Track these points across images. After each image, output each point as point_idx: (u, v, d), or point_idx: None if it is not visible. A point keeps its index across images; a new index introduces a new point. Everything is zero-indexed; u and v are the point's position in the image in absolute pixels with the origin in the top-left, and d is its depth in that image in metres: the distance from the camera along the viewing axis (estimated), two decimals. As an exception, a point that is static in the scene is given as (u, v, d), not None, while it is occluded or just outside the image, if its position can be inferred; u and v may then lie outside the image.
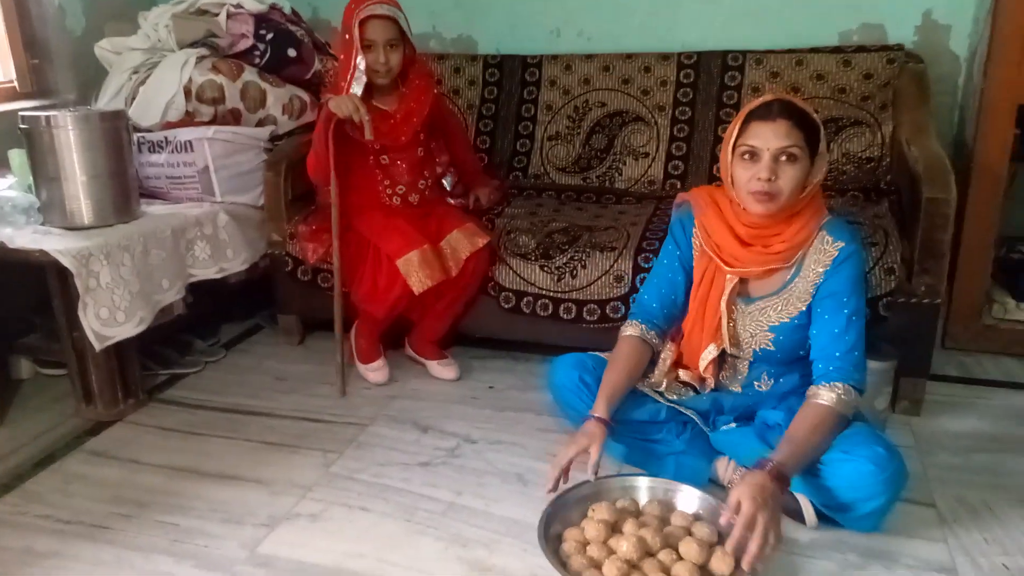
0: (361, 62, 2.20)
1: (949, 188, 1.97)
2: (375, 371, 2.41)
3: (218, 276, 2.43)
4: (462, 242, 2.28)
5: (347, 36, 2.22)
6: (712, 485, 1.74)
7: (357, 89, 2.20)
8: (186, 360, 2.52)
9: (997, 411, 2.16)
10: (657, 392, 1.79)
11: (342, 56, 2.26)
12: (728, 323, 1.68)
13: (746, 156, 1.56)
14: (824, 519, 1.61)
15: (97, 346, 2.03)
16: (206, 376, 2.48)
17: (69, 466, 1.97)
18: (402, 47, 2.26)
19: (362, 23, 2.17)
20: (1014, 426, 2.09)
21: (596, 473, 1.58)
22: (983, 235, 2.45)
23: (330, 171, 2.22)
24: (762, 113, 1.55)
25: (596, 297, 2.25)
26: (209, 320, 2.74)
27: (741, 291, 1.70)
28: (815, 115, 1.57)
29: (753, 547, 1.34)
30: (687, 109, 2.75)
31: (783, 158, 1.53)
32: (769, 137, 1.53)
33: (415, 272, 2.20)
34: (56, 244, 1.99)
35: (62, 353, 2.21)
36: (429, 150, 2.46)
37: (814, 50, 2.65)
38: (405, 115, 2.32)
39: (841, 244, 1.60)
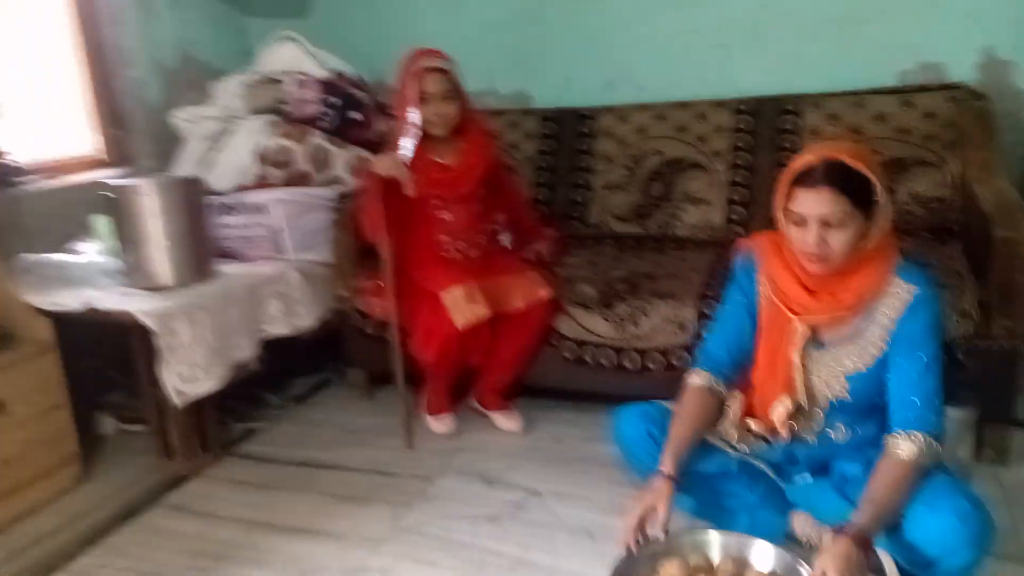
0: (415, 115, 2.27)
1: (1021, 227, 1.91)
2: (441, 422, 2.43)
3: (290, 332, 2.51)
4: (524, 289, 2.30)
5: (402, 91, 2.29)
6: (789, 541, 1.70)
7: (410, 143, 2.26)
8: (259, 414, 2.60)
9: (1089, 459, 2.07)
10: (727, 443, 1.76)
11: (399, 113, 2.33)
12: (801, 373, 1.65)
13: (795, 221, 1.56)
14: (909, 574, 1.55)
15: (178, 403, 2.12)
16: (278, 430, 2.54)
17: (150, 520, 2.04)
18: (457, 100, 2.32)
19: (419, 76, 2.25)
20: (1108, 474, 1.99)
21: (666, 531, 1.55)
22: (1062, 274, 2.36)
23: (382, 228, 2.26)
24: (804, 180, 1.53)
25: (659, 345, 2.24)
26: (280, 375, 2.81)
27: (813, 337, 1.67)
28: (866, 170, 1.52)
29: None
30: (746, 155, 2.75)
31: (830, 224, 1.52)
32: (813, 205, 1.51)
33: (459, 307, 2.20)
34: (140, 305, 2.09)
35: (143, 410, 2.31)
36: (488, 205, 2.51)
37: (873, 91, 2.63)
38: (465, 168, 2.38)
39: (915, 289, 1.57)
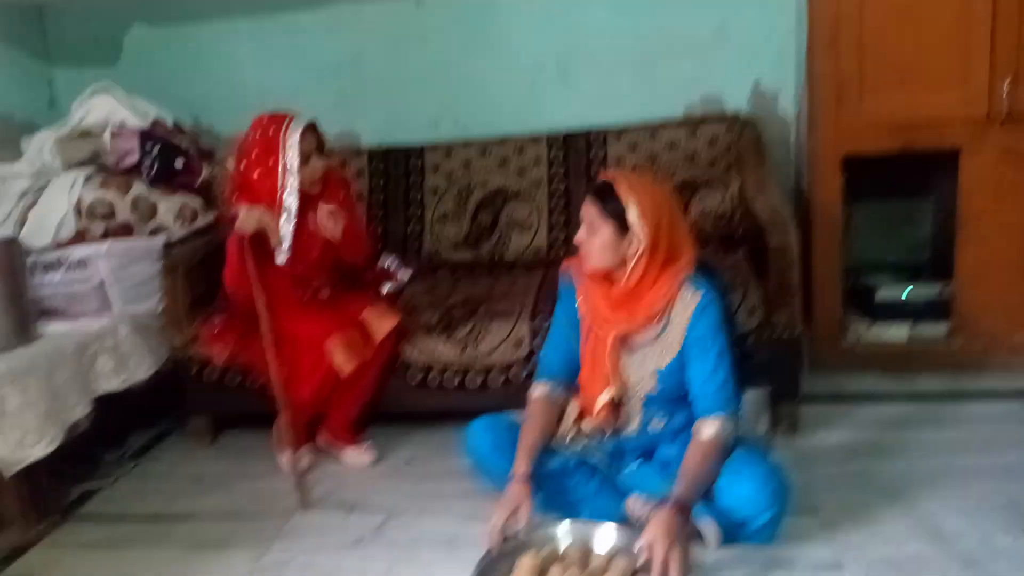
0: (294, 181, 2.26)
1: (789, 235, 2.27)
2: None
3: (123, 387, 2.44)
4: (374, 322, 2.38)
5: (271, 154, 2.25)
6: (627, 522, 1.89)
7: (293, 203, 2.26)
8: (98, 473, 2.49)
9: (865, 422, 2.44)
10: (565, 444, 1.95)
11: (256, 169, 2.29)
12: (614, 373, 1.87)
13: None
14: (730, 538, 1.77)
15: (8, 472, 2.01)
16: (120, 487, 2.45)
17: (-12, 598, 1.92)
18: (325, 151, 2.37)
19: (300, 137, 2.25)
20: (881, 433, 2.36)
21: (528, 531, 1.71)
22: (830, 270, 2.77)
23: (251, 286, 2.23)
24: (586, 188, 1.88)
25: (500, 362, 2.41)
26: (117, 430, 2.70)
27: (624, 343, 1.90)
28: (623, 192, 1.78)
29: None
30: (561, 184, 3.01)
31: (589, 227, 1.82)
32: (583, 209, 1.85)
33: (345, 355, 2.27)
34: (-41, 374, 1.98)
35: (-32, 484, 2.16)
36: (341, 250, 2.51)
37: (664, 123, 2.97)
38: (316, 231, 2.37)
39: (700, 294, 1.83)
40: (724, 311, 1.86)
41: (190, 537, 2.12)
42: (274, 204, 2.28)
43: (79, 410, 2.27)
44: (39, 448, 2.08)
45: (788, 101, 3.05)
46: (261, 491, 2.34)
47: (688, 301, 1.82)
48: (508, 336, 2.40)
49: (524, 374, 2.37)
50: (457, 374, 2.44)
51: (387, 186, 3.16)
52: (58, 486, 2.34)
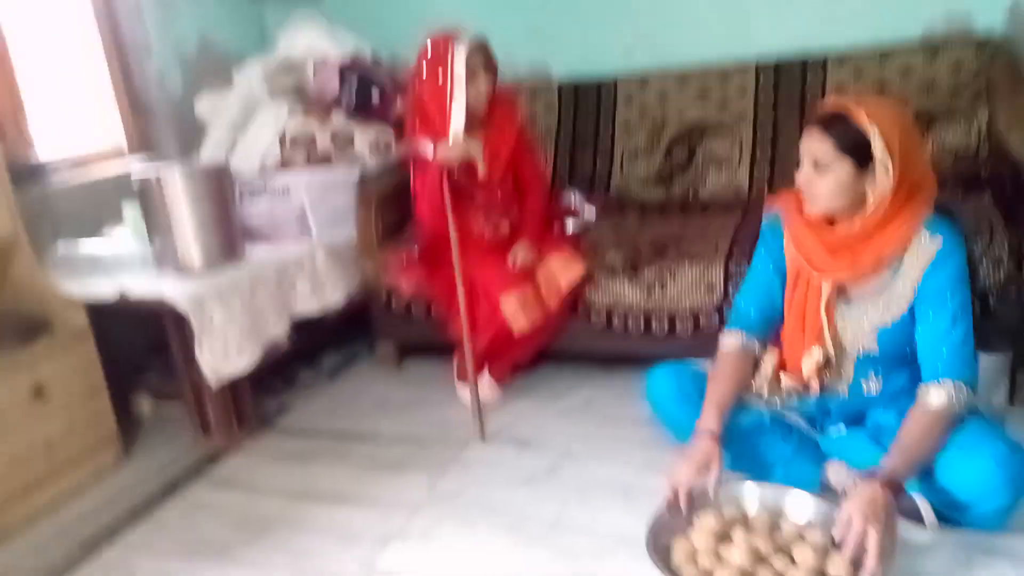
0: (461, 95, 2.21)
1: (1055, 173, 1.89)
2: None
3: (319, 310, 2.54)
4: (560, 271, 2.29)
5: (440, 70, 2.22)
6: (824, 491, 1.69)
7: (460, 122, 2.22)
8: (293, 389, 2.64)
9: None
10: (760, 398, 1.76)
11: (427, 92, 2.27)
12: (829, 327, 1.65)
13: (799, 160, 1.59)
14: (945, 519, 1.55)
15: (213, 382, 2.15)
16: (312, 404, 2.58)
17: (193, 495, 2.08)
18: (494, 72, 2.30)
19: (466, 52, 2.20)
20: None
21: (717, 492, 1.57)
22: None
23: (448, 222, 2.19)
24: (808, 119, 1.58)
25: (688, 308, 2.24)
26: (311, 350, 2.84)
27: (840, 293, 1.66)
28: (867, 122, 1.49)
29: (870, 563, 1.32)
30: (769, 117, 2.72)
31: (818, 164, 1.54)
32: (804, 142, 1.56)
33: (517, 316, 2.21)
34: (172, 289, 2.12)
35: (179, 389, 2.35)
36: (518, 179, 2.47)
37: (897, 47, 2.58)
38: (491, 155, 2.32)
39: (940, 240, 1.55)
40: (965, 261, 1.57)
41: (371, 457, 2.18)
42: (445, 123, 2.22)
43: (278, 329, 2.38)
44: (240, 362, 2.21)
45: (1056, 19, 2.54)
46: (440, 419, 2.36)
47: (925, 247, 1.55)
48: (699, 280, 2.22)
49: (715, 322, 2.19)
50: (642, 318, 2.30)
51: (576, 121, 3.03)
52: (258, 399, 2.49)
